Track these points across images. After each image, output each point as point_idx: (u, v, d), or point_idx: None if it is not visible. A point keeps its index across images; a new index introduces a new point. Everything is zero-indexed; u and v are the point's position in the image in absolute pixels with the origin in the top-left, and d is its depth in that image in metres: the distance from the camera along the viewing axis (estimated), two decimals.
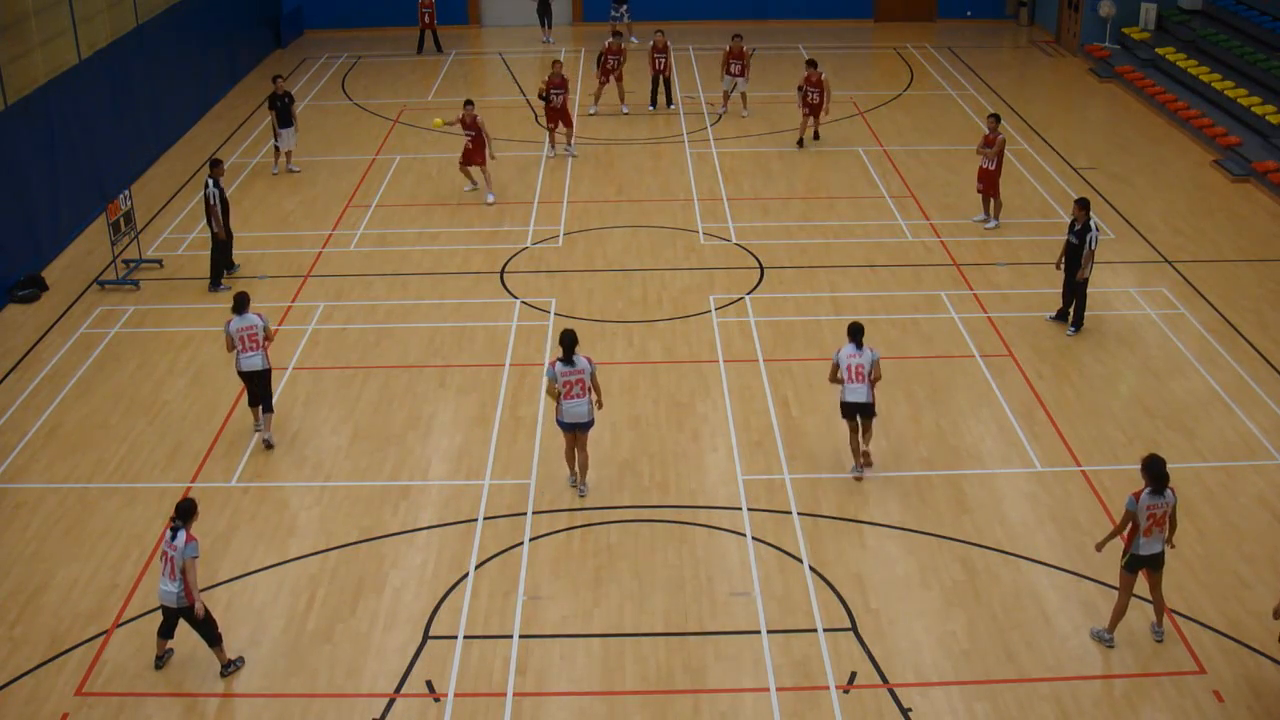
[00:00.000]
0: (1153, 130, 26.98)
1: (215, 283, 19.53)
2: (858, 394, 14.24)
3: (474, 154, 22.61)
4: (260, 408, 15.37)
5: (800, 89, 25.54)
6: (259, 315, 15.18)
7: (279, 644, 12.09)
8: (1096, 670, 11.62)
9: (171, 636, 11.75)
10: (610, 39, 28.08)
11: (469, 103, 22.78)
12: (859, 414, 14.40)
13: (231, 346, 15.11)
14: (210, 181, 19.21)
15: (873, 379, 14.26)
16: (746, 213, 22.37)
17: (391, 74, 32.21)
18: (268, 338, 15.18)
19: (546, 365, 14.23)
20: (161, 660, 11.76)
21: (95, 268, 20.45)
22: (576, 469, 14.38)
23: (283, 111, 24.10)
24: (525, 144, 26.34)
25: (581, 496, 14.27)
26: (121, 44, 24.66)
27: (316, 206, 23.03)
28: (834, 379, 14.44)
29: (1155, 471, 11.39)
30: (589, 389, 13.84)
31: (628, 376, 16.84)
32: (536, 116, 27.72)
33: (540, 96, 24.82)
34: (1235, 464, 14.74)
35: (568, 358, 13.74)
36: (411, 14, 34.37)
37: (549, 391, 13.88)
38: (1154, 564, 11.61)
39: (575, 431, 14.08)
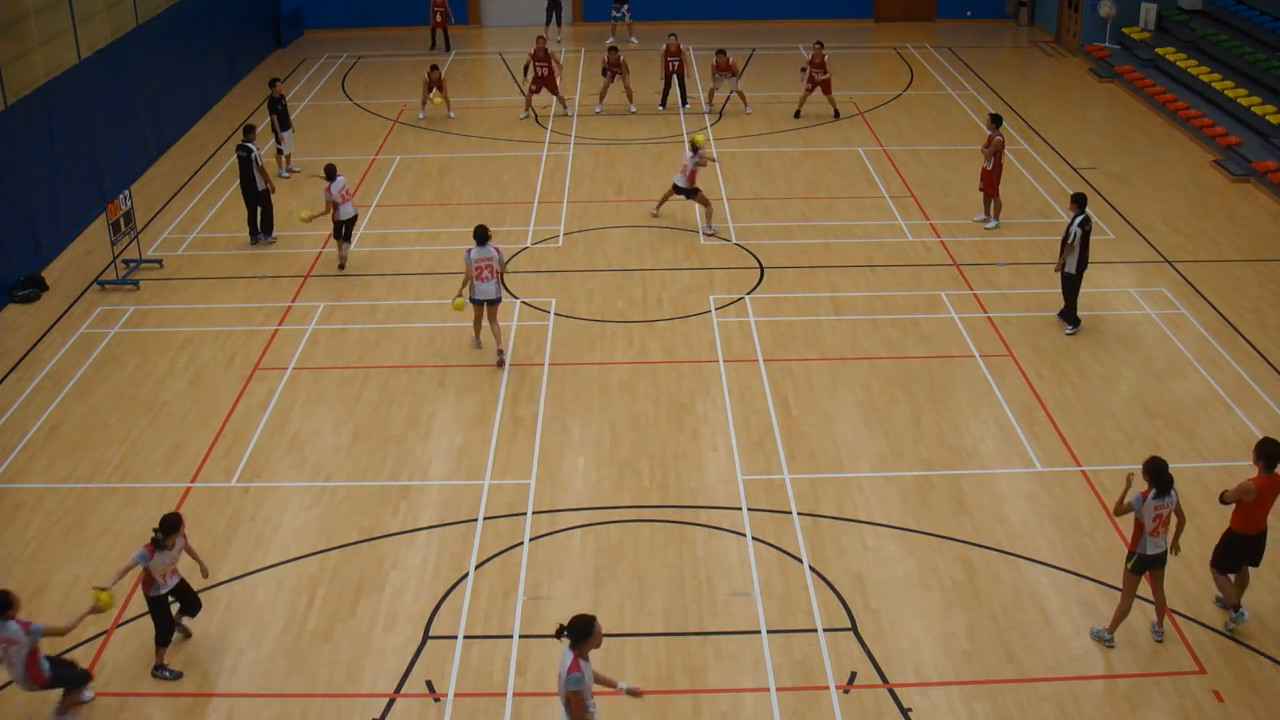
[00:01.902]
0: (1153, 130, 26.98)
1: (268, 233, 21.49)
2: (681, 180, 21.17)
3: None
4: (341, 241, 19.91)
5: (804, 69, 27.41)
6: (343, 177, 19.77)
7: (279, 644, 12.09)
8: (1097, 670, 11.62)
9: (188, 618, 11.98)
10: (609, 52, 28.27)
11: (434, 68, 27.71)
12: (687, 196, 21.36)
13: (330, 204, 19.49)
14: (251, 146, 20.90)
15: (693, 173, 21.14)
16: (746, 213, 22.37)
17: (391, 74, 32.20)
18: (351, 193, 19.95)
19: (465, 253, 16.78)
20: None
21: (95, 268, 20.45)
22: (482, 336, 17.34)
23: (283, 114, 24.16)
24: (525, 144, 26.36)
25: (500, 365, 16.85)
26: (121, 44, 24.65)
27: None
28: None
29: (1159, 474, 11.39)
30: (497, 273, 16.71)
31: (628, 376, 16.84)
32: (534, 114, 27.85)
33: (525, 71, 27.83)
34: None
35: (481, 244, 16.64)
36: (412, 13, 34.36)
37: (465, 277, 16.75)
38: (1157, 563, 11.61)
39: (485, 305, 16.97)
